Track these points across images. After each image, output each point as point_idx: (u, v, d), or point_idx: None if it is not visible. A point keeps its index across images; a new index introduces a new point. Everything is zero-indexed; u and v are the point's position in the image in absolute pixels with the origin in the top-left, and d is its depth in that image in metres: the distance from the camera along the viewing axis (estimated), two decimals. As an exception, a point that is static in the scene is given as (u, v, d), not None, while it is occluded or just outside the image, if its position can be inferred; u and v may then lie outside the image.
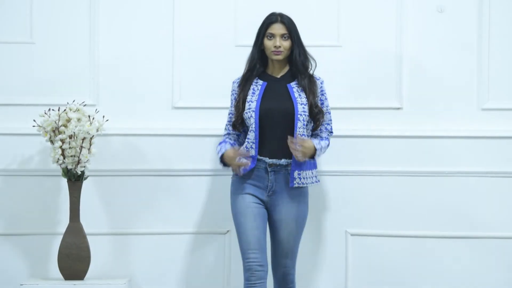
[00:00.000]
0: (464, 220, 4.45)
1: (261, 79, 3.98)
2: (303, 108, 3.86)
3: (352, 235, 4.44)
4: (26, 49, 4.54)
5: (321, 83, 3.97)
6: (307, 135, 3.91)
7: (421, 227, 4.45)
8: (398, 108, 4.50)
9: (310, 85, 3.94)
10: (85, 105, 4.36)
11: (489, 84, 4.51)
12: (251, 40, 4.34)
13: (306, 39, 4.22)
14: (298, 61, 3.95)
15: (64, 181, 4.39)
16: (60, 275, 4.35)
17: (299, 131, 3.85)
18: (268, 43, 3.94)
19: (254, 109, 3.91)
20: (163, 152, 4.51)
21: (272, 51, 3.94)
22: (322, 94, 3.96)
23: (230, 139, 4.01)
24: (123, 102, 4.55)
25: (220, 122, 4.52)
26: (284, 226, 3.94)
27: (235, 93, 3.98)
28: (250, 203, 3.92)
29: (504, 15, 4.52)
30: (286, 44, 3.94)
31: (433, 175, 4.45)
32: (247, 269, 3.88)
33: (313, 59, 3.99)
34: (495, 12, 4.51)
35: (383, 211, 4.45)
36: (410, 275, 4.45)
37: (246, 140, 3.93)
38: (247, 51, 4.30)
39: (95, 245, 4.40)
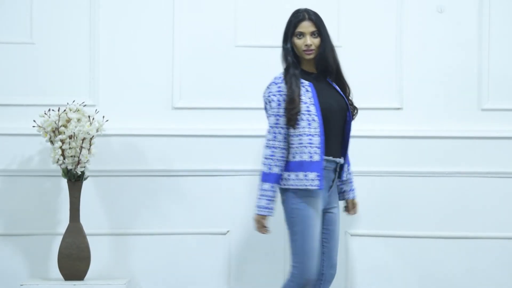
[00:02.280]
0: (464, 220, 4.46)
1: (304, 79, 3.84)
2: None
3: (352, 235, 4.46)
4: (26, 49, 4.53)
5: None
6: None
7: (420, 227, 4.46)
8: (398, 108, 4.51)
9: (344, 80, 3.88)
10: (85, 105, 4.35)
11: (489, 84, 4.52)
12: (251, 40, 4.40)
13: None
14: (329, 57, 3.82)
15: (64, 181, 4.38)
16: (60, 275, 4.34)
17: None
18: (298, 42, 3.81)
19: (316, 113, 3.75)
20: (163, 152, 4.51)
21: (304, 50, 3.80)
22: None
23: (278, 164, 3.72)
24: (123, 102, 4.54)
25: (219, 122, 4.54)
26: (338, 223, 3.84)
27: (282, 94, 3.74)
28: (320, 212, 3.78)
29: (504, 15, 4.53)
30: (317, 41, 3.81)
31: (433, 175, 4.45)
32: (304, 278, 3.71)
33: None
34: (495, 12, 4.52)
35: (383, 211, 4.46)
36: (410, 275, 4.47)
37: (307, 145, 3.72)
38: (247, 51, 4.31)
39: (95, 245, 4.39)
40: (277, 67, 4.45)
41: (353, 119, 3.81)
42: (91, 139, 4.25)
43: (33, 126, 4.32)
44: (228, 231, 4.49)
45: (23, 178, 4.51)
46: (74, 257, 4.29)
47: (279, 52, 4.13)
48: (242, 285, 4.48)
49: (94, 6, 4.51)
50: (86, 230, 4.34)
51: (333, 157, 3.72)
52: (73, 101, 4.35)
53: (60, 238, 4.35)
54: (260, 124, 4.41)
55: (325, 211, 3.76)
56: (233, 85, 4.51)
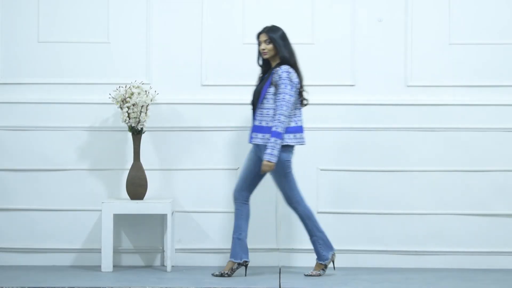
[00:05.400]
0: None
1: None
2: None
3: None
4: (103, 47, 5.27)
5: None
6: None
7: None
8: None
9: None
10: (143, 84, 5.04)
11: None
12: (255, 39, 4.97)
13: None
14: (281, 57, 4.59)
15: (129, 134, 5.08)
16: (127, 196, 5.08)
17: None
18: (259, 48, 4.69)
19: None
20: (194, 115, 5.22)
21: (261, 53, 4.68)
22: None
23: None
24: (168, 82, 5.21)
25: (233, 94, 5.17)
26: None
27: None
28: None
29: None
30: (269, 46, 4.63)
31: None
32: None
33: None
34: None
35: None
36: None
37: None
38: (252, 48, 4.99)
39: (150, 176, 5.10)
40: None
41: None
42: (147, 106, 4.93)
43: (109, 98, 5.03)
44: (238, 168, 5.22)
45: (103, 132, 5.21)
46: (136, 184, 4.98)
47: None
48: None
49: (149, 15, 5.18)
50: (144, 166, 5.05)
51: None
52: (135, 81, 5.04)
53: (127, 171, 5.07)
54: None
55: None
56: (243, 69, 5.20)
